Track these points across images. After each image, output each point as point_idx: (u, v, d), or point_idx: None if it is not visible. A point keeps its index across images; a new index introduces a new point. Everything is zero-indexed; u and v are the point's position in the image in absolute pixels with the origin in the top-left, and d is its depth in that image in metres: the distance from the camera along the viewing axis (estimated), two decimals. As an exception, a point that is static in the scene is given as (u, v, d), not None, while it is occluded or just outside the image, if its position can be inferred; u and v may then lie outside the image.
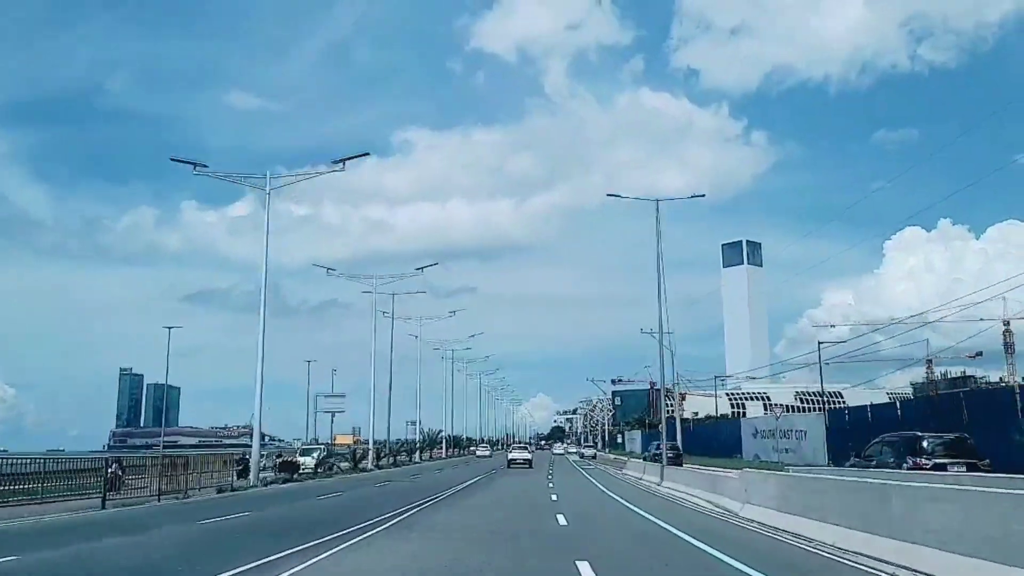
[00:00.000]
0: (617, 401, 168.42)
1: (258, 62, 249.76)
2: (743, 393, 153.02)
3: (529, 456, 54.96)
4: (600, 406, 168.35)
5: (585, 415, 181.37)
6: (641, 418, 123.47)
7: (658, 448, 47.01)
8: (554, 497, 23.51)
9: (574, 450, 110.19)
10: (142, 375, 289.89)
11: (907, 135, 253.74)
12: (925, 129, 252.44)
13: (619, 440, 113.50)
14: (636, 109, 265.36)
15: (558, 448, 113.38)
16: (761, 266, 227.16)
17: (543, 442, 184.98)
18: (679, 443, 49.69)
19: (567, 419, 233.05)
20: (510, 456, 54.29)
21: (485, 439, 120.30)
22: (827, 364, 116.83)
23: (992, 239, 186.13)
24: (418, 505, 19.96)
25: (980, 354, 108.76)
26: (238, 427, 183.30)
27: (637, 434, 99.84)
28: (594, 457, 79.91)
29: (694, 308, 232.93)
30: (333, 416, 61.18)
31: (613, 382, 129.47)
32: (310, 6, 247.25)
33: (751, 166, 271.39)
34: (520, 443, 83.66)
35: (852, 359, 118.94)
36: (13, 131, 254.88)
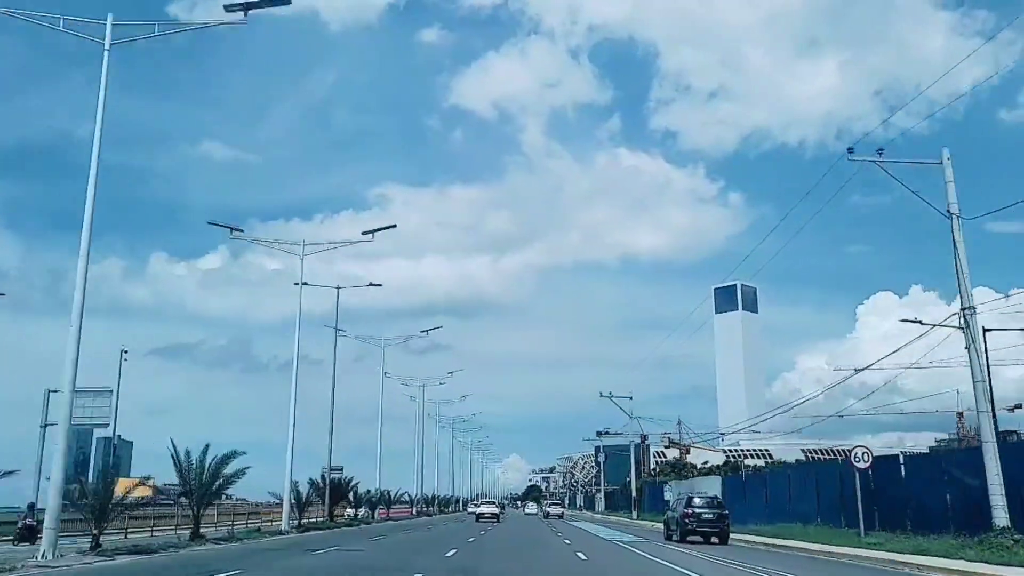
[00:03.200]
0: (600, 457, 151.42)
1: (235, 121, 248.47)
2: (742, 450, 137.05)
3: (497, 511, 60.54)
4: (583, 462, 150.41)
5: (565, 472, 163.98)
6: (676, 463, 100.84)
7: (690, 505, 29.65)
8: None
9: (550, 509, 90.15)
10: (92, 428, 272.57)
11: (881, 201, 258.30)
12: (898, 195, 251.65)
13: (665, 495, 56.09)
14: (613, 168, 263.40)
15: (531, 508, 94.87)
16: (757, 312, 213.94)
17: (517, 502, 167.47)
18: (857, 494, 25.74)
19: (543, 477, 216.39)
20: (479, 511, 59.45)
21: (473, 497, 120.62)
22: (808, 423, 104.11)
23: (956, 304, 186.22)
24: None
25: (1020, 406, 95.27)
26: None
27: (715, 481, 51.22)
28: (561, 516, 71.56)
29: (672, 369, 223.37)
30: (99, 434, 34.97)
31: (599, 434, 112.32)
32: (289, 69, 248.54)
33: (726, 227, 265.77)
34: (488, 500, 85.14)
35: (873, 412, 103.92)
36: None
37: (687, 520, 29.05)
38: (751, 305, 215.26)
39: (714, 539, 28.69)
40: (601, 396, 67.78)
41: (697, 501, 30.19)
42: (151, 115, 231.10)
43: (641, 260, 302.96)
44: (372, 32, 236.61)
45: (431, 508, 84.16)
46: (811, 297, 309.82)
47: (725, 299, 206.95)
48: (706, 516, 29.00)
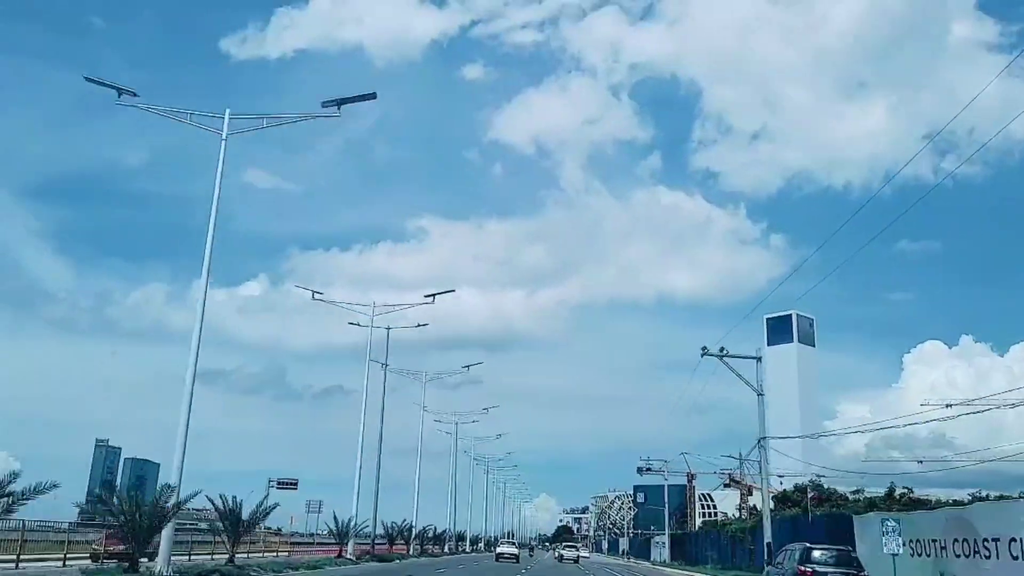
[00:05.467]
0: (640, 498, 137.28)
1: (279, 151, 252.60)
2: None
3: (516, 551, 63.47)
4: (619, 503, 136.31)
5: (600, 512, 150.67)
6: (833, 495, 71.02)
7: (808, 561, 20.78)
8: None
9: (564, 552, 76.34)
10: (119, 448, 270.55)
11: (930, 247, 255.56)
12: (948, 241, 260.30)
13: (888, 540, 22.31)
14: (652, 206, 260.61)
15: (568, 551, 77.02)
16: (814, 346, 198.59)
17: (546, 543, 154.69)
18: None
19: (575, 518, 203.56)
20: (498, 550, 63.17)
21: (502, 536, 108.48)
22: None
23: (1017, 357, 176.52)
24: None
25: None
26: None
27: None
28: (576, 561, 67.70)
29: (709, 412, 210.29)
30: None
31: (639, 471, 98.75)
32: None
33: (768, 269, 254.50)
34: (509, 540, 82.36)
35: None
36: (43, 208, 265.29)
37: None
38: (807, 338, 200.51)
39: None
40: (705, 355, 29.52)
41: (818, 555, 21.27)
42: (198, 144, 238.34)
43: (678, 300, 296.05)
44: (416, 68, 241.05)
45: (412, 544, 56.48)
46: (853, 344, 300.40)
47: (779, 330, 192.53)
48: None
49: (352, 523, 41.58)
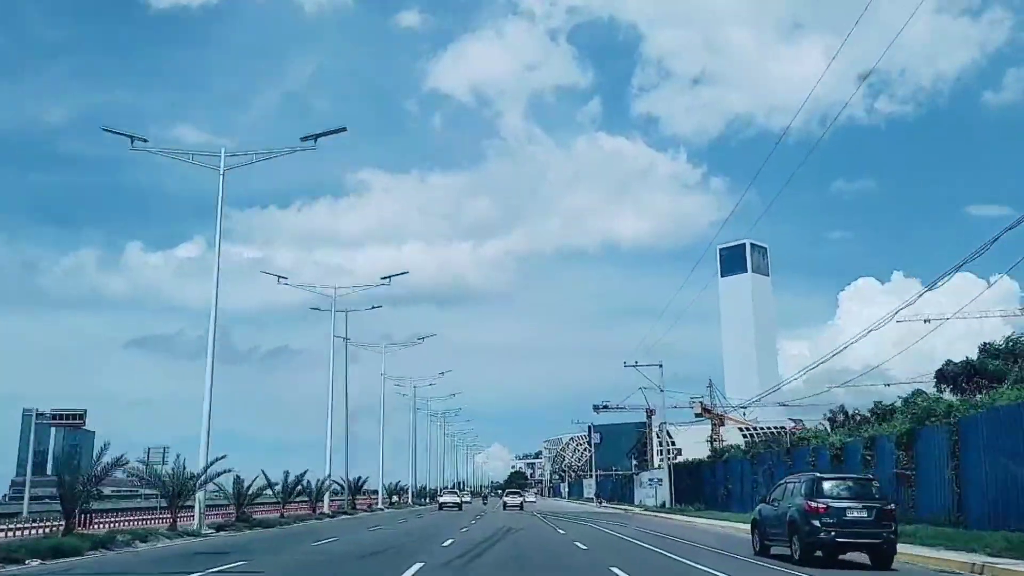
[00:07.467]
0: (596, 438, 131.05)
1: (211, 111, 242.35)
2: (764, 428, 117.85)
3: (459, 500, 63.74)
4: (574, 444, 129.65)
5: (554, 455, 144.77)
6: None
7: (818, 495, 16.06)
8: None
9: (507, 499, 65.78)
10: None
11: (864, 186, 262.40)
12: (882, 180, 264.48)
13: None
14: (594, 153, 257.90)
15: (512, 498, 65.49)
16: (768, 275, 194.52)
17: (499, 491, 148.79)
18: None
19: (528, 463, 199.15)
20: (441, 500, 63.60)
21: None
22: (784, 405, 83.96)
23: (944, 291, 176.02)
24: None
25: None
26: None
27: None
28: (520, 507, 59.47)
29: (655, 353, 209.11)
30: None
31: (596, 408, 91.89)
32: (265, 53, 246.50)
33: (709, 213, 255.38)
34: (452, 490, 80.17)
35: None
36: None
37: (815, 522, 15.71)
38: (761, 267, 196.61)
39: (865, 556, 15.90)
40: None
41: (831, 486, 16.49)
42: (129, 103, 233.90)
43: (623, 246, 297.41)
44: (349, 15, 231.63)
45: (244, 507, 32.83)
46: (793, 284, 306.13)
47: (733, 261, 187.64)
48: (854, 514, 15.59)
49: None
